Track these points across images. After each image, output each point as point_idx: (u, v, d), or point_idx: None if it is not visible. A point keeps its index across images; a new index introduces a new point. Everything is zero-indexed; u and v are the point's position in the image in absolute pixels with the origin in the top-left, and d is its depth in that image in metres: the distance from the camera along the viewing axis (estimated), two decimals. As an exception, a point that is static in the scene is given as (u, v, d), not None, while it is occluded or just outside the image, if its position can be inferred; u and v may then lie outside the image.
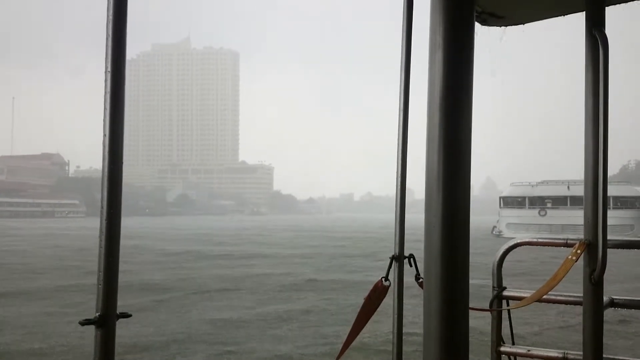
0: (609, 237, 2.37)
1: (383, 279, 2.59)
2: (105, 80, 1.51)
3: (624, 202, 49.01)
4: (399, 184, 2.66)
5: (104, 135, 1.51)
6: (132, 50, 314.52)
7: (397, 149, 2.67)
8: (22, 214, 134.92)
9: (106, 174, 1.50)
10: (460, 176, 1.44)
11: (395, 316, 2.66)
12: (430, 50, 1.46)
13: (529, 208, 53.30)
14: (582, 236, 2.41)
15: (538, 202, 53.04)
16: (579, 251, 2.34)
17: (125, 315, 1.57)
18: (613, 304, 2.71)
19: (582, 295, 2.42)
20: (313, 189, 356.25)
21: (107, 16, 1.51)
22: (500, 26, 2.69)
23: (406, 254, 2.69)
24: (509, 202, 55.34)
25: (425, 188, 1.47)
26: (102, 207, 1.50)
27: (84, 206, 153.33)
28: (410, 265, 2.64)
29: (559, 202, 51.23)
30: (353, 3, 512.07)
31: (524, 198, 54.03)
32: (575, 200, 45.88)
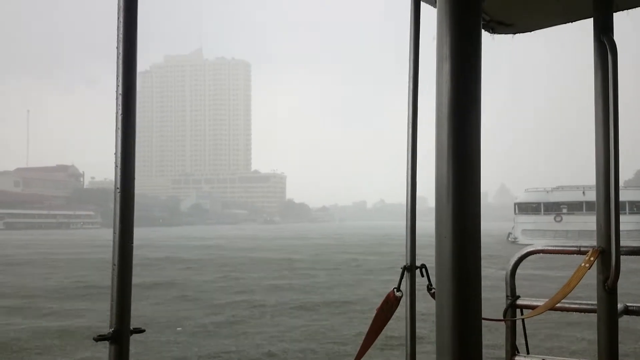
0: (622, 244, 2.35)
1: (395, 290, 2.55)
2: (117, 104, 1.52)
3: (640, 207, 48.45)
4: (409, 193, 2.63)
5: (116, 155, 1.52)
6: (145, 62, 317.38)
7: (407, 158, 2.64)
8: (38, 225, 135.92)
9: (118, 192, 1.50)
10: (471, 186, 1.44)
11: (408, 328, 2.62)
12: (437, 60, 1.46)
13: (544, 214, 52.82)
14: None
15: (553, 208, 52.56)
16: (592, 258, 2.32)
17: (139, 331, 1.56)
18: (627, 311, 2.67)
19: (596, 302, 2.40)
20: (326, 197, 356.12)
21: (117, 37, 1.52)
22: (509, 34, 2.69)
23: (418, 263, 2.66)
24: (523, 208, 54.87)
25: (436, 199, 1.46)
26: (114, 224, 1.50)
27: (100, 217, 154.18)
28: (422, 276, 2.60)
29: (575, 207, 50.71)
30: (368, 13, 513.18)
31: (539, 204, 53.55)
32: (590, 206, 45.34)
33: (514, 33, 2.70)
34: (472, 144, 1.44)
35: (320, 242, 58.74)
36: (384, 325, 2.55)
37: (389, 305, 2.53)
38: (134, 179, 1.54)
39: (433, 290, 2.41)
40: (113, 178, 1.55)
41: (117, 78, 1.52)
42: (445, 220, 1.43)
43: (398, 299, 2.54)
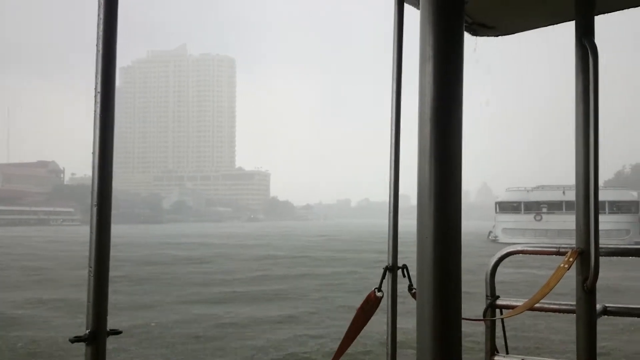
0: (601, 244, 2.38)
1: (376, 290, 2.55)
2: (95, 102, 1.50)
3: (620, 207, 49.10)
4: (392, 194, 2.64)
5: (94, 154, 1.50)
6: (128, 57, 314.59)
7: (390, 158, 2.65)
8: (18, 221, 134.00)
9: (96, 193, 1.49)
10: (452, 187, 1.45)
11: (389, 328, 2.62)
12: (420, 61, 1.47)
13: (524, 213, 53.34)
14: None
15: (534, 207, 53.10)
16: (571, 259, 2.34)
17: (116, 332, 1.55)
18: (606, 312, 2.70)
19: (575, 303, 2.42)
20: (310, 195, 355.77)
21: (97, 34, 1.50)
22: (490, 36, 2.70)
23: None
24: (504, 207, 55.36)
25: (417, 199, 1.47)
26: (91, 225, 1.49)
27: (80, 214, 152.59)
28: (404, 276, 2.60)
29: (555, 207, 51.30)
30: (352, 12, 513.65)
31: (519, 203, 54.06)
32: (570, 205, 45.85)
33: (496, 35, 2.72)
34: (454, 144, 1.45)
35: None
36: (364, 326, 2.56)
37: (370, 305, 2.54)
38: (111, 179, 1.52)
39: (414, 291, 2.42)
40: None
41: (95, 76, 1.50)
42: (427, 220, 1.44)
43: (379, 300, 2.54)
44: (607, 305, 2.71)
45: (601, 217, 2.41)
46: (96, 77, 1.50)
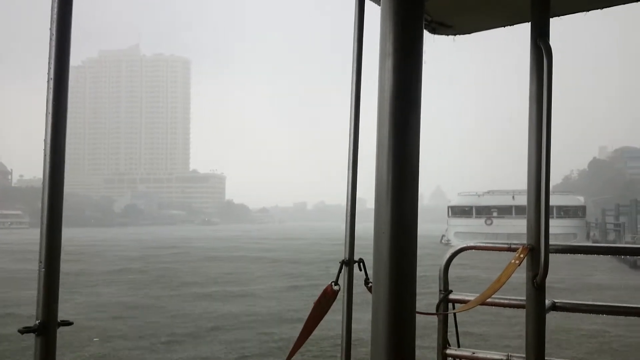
0: (550, 243, 2.46)
1: (333, 284, 2.59)
2: (48, 88, 1.48)
3: (567, 212, 50.53)
4: (350, 190, 2.68)
5: (45, 142, 1.48)
6: (78, 56, 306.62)
7: (348, 156, 2.68)
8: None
9: (47, 180, 1.48)
10: (409, 184, 1.47)
11: (345, 320, 2.66)
12: (380, 58, 1.49)
13: (475, 217, 54.31)
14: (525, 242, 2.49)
15: (484, 212, 54.12)
16: (522, 255, 2.41)
17: (67, 323, 1.55)
18: (555, 307, 2.80)
19: (525, 298, 2.50)
20: (266, 198, 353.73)
21: (51, 18, 1.48)
22: (449, 35, 2.76)
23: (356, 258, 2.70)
24: (456, 211, 56.24)
25: (375, 194, 1.49)
26: (42, 215, 1.48)
27: (28, 217, 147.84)
28: (360, 270, 2.65)
29: (504, 211, 52.41)
30: (313, 12, 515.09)
31: (471, 207, 55.00)
32: (519, 210, 47.01)
33: (454, 35, 2.78)
34: (412, 141, 1.47)
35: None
36: (321, 319, 2.60)
37: (327, 299, 2.58)
38: (64, 166, 1.51)
39: (370, 284, 2.45)
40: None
41: (49, 61, 1.48)
42: (384, 216, 1.46)
43: (335, 293, 2.59)
44: (555, 300, 2.81)
45: (550, 222, 2.48)
46: (49, 61, 1.48)
